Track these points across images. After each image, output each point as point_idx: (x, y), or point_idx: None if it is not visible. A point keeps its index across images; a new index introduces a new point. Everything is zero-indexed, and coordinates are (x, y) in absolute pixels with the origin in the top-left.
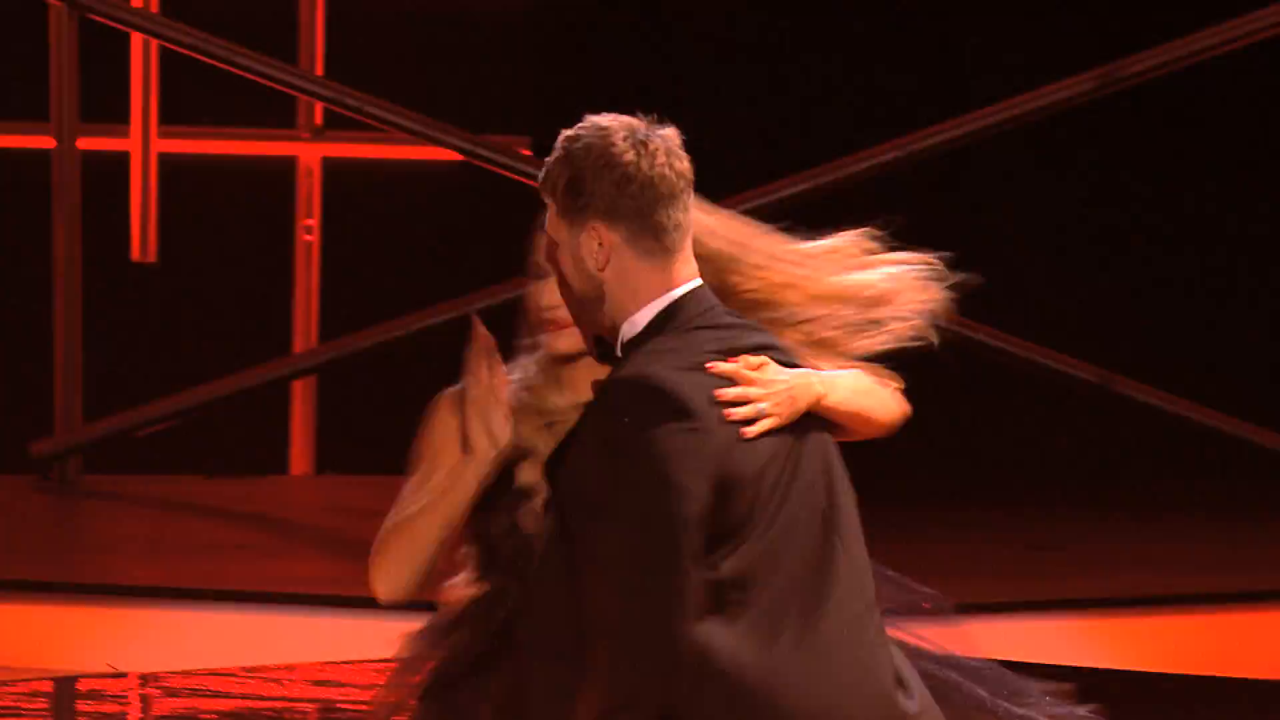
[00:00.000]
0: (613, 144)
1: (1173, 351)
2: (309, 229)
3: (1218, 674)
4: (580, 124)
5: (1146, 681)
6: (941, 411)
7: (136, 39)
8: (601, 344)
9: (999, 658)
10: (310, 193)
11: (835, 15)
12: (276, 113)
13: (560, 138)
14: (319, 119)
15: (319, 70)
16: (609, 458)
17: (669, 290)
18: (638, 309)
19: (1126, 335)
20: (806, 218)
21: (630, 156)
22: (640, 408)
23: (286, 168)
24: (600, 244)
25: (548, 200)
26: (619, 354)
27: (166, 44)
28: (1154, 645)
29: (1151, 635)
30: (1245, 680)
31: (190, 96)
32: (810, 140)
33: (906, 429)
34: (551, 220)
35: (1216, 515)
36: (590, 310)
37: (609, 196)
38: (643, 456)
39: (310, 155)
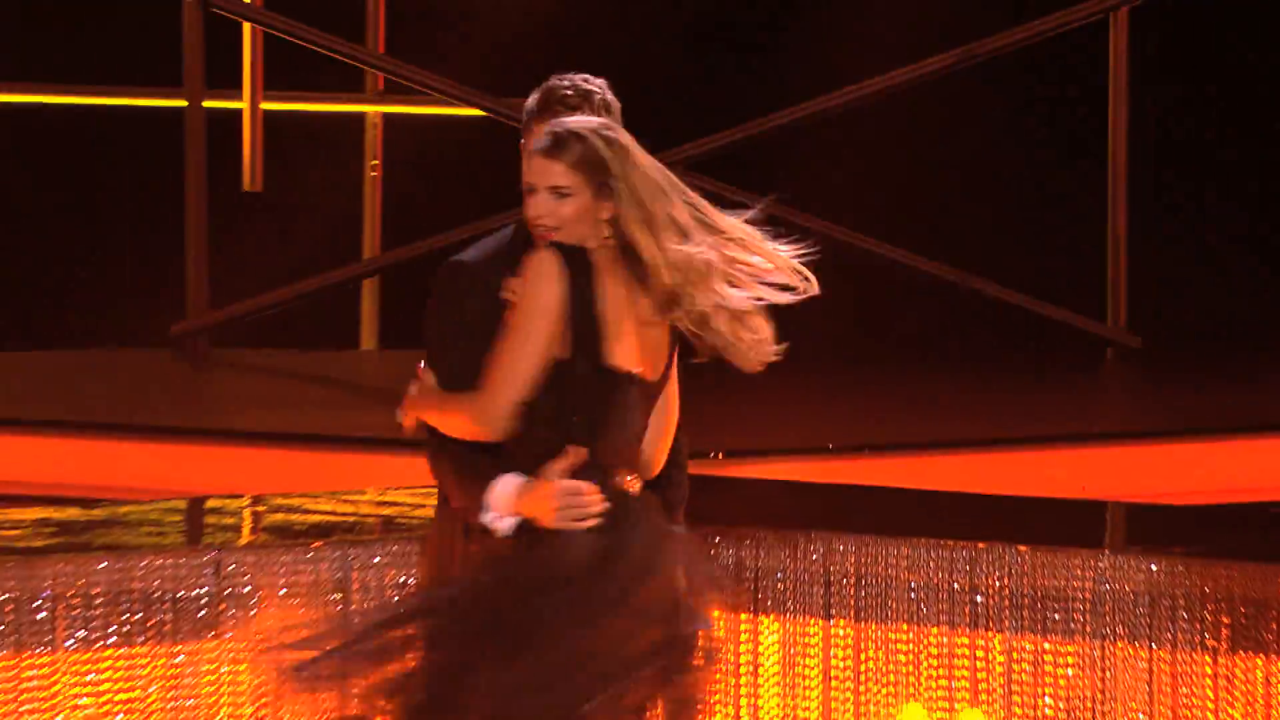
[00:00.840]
0: None
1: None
2: (375, 167)
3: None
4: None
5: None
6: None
7: (246, 27)
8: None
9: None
10: (375, 140)
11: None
12: (351, 80)
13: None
14: (381, 85)
15: (381, 48)
16: None
17: None
18: None
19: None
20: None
21: None
22: None
23: (358, 122)
24: None
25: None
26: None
27: (269, 30)
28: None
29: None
30: (1060, 499)
31: (287, 67)
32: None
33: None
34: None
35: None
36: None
37: None
38: None
39: (375, 112)
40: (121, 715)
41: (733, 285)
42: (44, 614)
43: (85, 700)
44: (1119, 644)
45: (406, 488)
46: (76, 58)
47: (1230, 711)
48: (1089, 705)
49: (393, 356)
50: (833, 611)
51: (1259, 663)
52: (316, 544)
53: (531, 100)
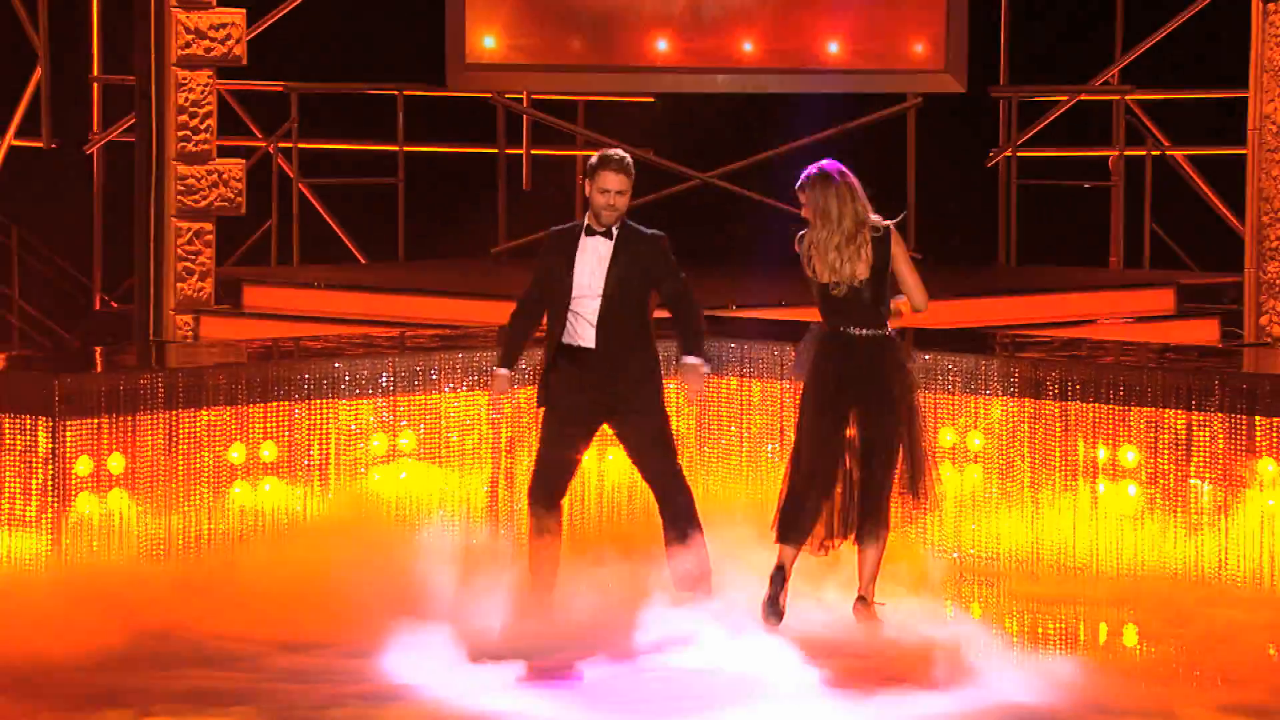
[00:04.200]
0: None
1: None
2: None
3: None
4: None
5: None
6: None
7: (525, 117)
8: None
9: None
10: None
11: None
12: (567, 138)
13: None
14: (581, 142)
15: (582, 124)
16: None
17: None
18: None
19: None
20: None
21: None
22: None
23: (573, 159)
24: None
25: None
26: None
27: (534, 117)
28: None
29: None
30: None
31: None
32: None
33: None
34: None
35: None
36: None
37: None
38: None
39: (581, 154)
40: (467, 419)
41: None
42: (435, 375)
43: (452, 414)
44: (953, 396)
45: None
46: (447, 125)
47: (999, 408)
48: (951, 406)
49: None
50: None
51: (999, 401)
52: None
53: (594, 159)
